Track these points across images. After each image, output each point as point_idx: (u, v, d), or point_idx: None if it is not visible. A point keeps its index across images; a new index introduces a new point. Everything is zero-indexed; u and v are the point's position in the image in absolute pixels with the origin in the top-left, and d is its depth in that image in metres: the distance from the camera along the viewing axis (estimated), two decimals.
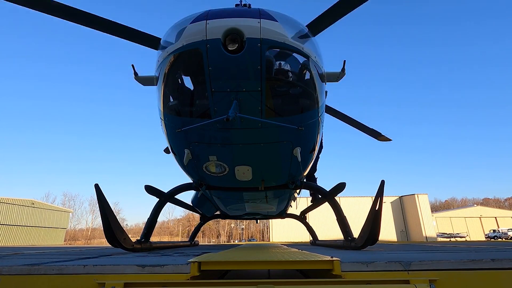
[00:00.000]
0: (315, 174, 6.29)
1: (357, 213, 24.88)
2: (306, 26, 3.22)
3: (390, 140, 6.19)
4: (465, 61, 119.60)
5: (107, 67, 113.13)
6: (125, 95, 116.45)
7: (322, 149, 5.96)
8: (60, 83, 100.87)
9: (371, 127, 5.80)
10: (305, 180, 6.09)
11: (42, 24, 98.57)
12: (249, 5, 3.24)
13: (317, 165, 6.22)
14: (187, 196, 10.45)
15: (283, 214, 9.05)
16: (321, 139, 5.79)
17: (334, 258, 1.84)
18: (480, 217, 48.17)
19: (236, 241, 64.40)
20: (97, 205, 3.81)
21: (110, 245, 3.96)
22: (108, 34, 3.27)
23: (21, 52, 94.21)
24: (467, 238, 40.46)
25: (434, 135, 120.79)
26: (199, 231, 10.44)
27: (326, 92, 3.87)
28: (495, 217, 48.53)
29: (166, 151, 6.64)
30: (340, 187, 5.09)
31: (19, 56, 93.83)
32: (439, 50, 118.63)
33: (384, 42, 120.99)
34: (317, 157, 5.96)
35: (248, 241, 63.80)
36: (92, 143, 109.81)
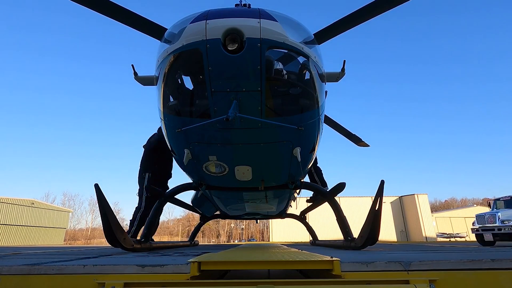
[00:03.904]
0: (318, 165, 6.27)
1: (357, 213, 24.87)
2: (313, 34, 3.22)
3: (368, 146, 6.32)
4: (464, 56, 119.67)
5: (108, 63, 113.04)
6: (126, 91, 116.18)
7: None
8: (59, 78, 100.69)
9: (353, 133, 5.86)
10: (311, 173, 6.08)
11: (34, 18, 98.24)
12: (249, 5, 3.24)
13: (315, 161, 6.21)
14: (187, 196, 10.46)
15: (283, 214, 9.06)
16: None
17: (334, 258, 1.84)
18: None
19: (236, 241, 64.41)
20: (97, 205, 3.80)
21: (110, 245, 3.96)
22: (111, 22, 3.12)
23: (20, 45, 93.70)
24: (467, 238, 40.45)
25: (433, 134, 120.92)
26: (199, 231, 10.44)
27: (326, 92, 3.87)
28: None
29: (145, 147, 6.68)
30: (340, 187, 5.08)
31: (17, 48, 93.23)
32: (438, 46, 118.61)
33: (381, 37, 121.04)
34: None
35: (248, 241, 63.80)
36: (92, 142, 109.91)
